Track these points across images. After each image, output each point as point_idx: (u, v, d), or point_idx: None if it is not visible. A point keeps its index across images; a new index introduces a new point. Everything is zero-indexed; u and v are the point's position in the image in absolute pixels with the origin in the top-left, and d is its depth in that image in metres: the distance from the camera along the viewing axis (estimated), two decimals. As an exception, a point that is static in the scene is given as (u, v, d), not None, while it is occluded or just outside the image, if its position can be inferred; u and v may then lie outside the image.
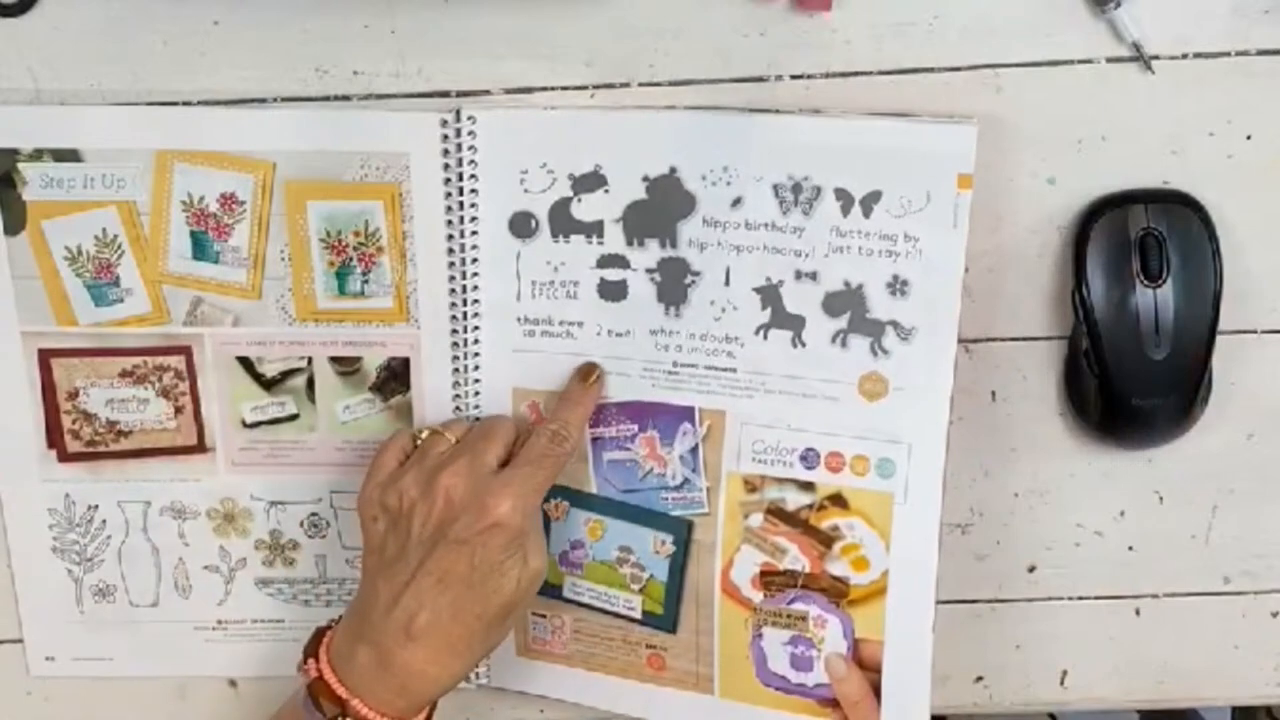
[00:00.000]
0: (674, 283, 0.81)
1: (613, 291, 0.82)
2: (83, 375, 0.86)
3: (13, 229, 0.83)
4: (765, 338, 0.81)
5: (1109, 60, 0.79)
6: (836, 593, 0.82)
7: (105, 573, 0.89)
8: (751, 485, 0.82)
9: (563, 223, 0.81)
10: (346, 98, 0.81)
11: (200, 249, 0.83)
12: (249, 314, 0.84)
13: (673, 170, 0.80)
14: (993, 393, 0.84)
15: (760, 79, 0.80)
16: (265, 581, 0.89)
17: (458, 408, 0.85)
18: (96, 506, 0.88)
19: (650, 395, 0.82)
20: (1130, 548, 0.86)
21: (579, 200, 0.81)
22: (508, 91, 0.81)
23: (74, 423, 0.86)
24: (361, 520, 0.81)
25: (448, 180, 0.81)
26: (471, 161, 0.81)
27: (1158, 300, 0.79)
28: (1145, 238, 0.79)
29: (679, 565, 0.84)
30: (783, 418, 0.81)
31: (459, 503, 0.77)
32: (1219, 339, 0.80)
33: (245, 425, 0.86)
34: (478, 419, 0.84)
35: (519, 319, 0.83)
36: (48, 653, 0.90)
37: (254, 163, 0.82)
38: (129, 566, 0.89)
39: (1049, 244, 0.82)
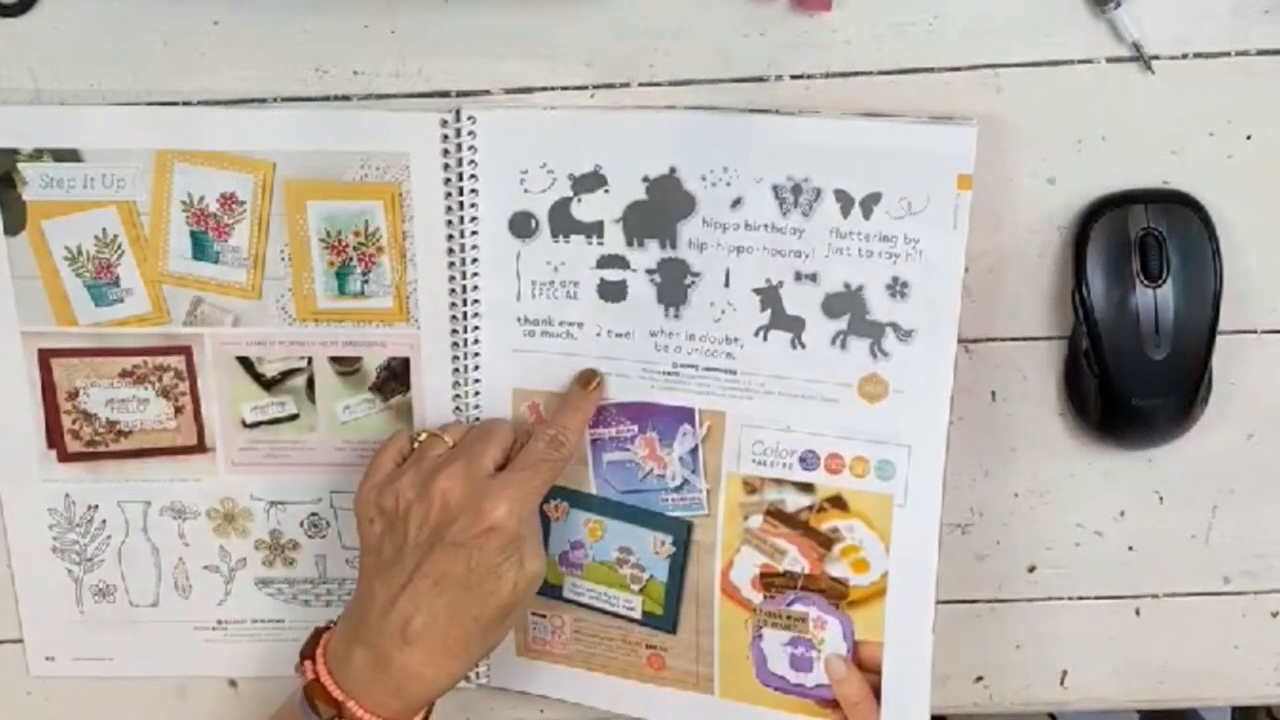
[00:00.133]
0: (674, 283, 0.81)
1: (613, 292, 0.82)
2: (83, 375, 0.86)
3: (13, 229, 0.83)
4: (765, 339, 0.80)
5: (1109, 60, 0.79)
6: (836, 594, 0.82)
7: (105, 573, 0.89)
8: (751, 486, 0.82)
9: (563, 223, 0.81)
10: (346, 98, 0.81)
11: (200, 249, 0.83)
12: (249, 314, 0.84)
13: (673, 170, 0.80)
14: (993, 393, 0.84)
15: (760, 79, 0.80)
16: (265, 581, 0.89)
17: (458, 408, 0.85)
18: (96, 506, 0.88)
19: (650, 396, 0.82)
20: (1130, 548, 0.86)
21: (579, 200, 0.81)
22: (508, 91, 0.81)
23: (74, 423, 0.86)
24: (358, 522, 0.81)
25: (448, 180, 0.81)
26: (471, 161, 0.81)
27: (1158, 300, 0.79)
28: (1145, 238, 0.79)
29: (679, 566, 0.84)
30: (782, 419, 0.81)
31: (456, 505, 0.77)
32: (1219, 339, 0.80)
33: (245, 425, 0.86)
34: (476, 421, 0.84)
35: (519, 319, 0.83)
36: (48, 653, 0.90)
37: (254, 163, 0.82)
38: (129, 566, 0.89)
39: (1049, 244, 0.81)
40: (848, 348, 0.80)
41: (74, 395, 0.86)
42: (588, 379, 0.82)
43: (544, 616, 0.87)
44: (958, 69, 0.79)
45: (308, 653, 0.80)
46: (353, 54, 0.81)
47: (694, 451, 0.82)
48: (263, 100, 0.81)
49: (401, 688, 0.77)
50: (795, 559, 0.82)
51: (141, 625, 0.90)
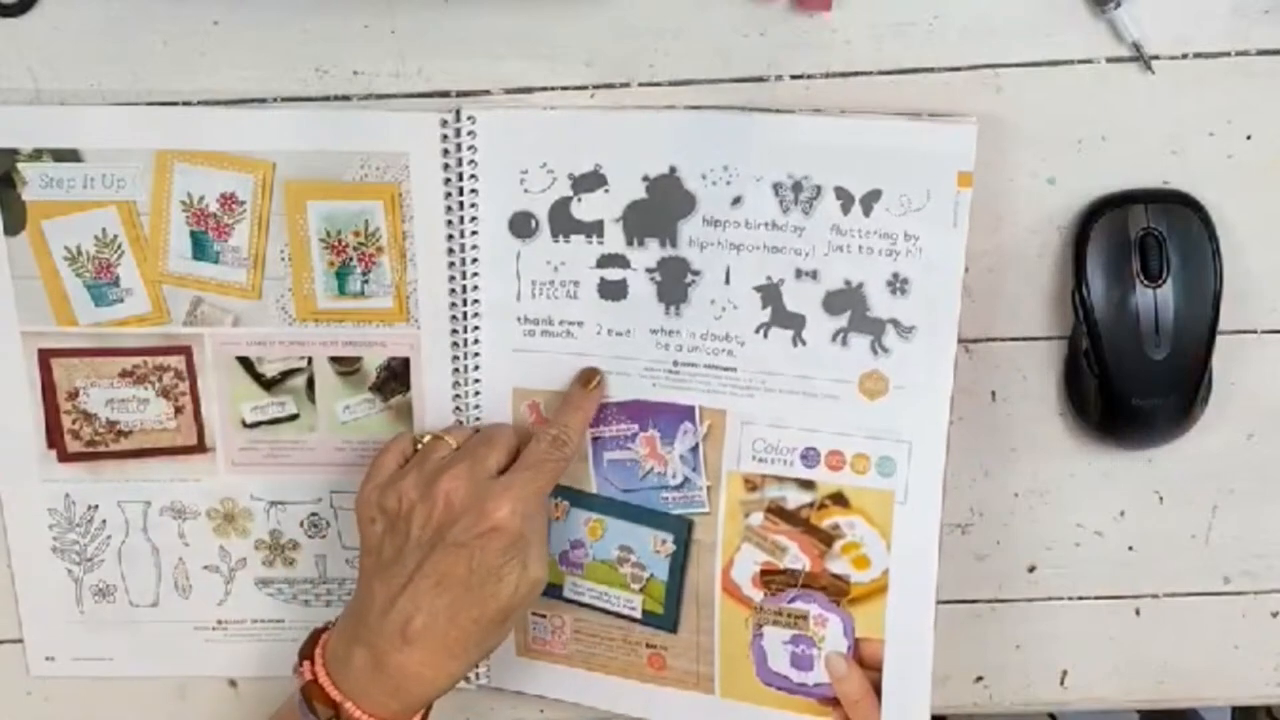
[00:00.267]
0: (674, 282, 0.81)
1: (613, 291, 0.82)
2: (83, 375, 0.86)
3: (13, 229, 0.83)
4: (766, 336, 0.81)
5: (1109, 60, 0.79)
6: (837, 591, 0.82)
7: (105, 573, 0.89)
8: (752, 484, 0.82)
9: (563, 222, 0.81)
10: (346, 98, 0.81)
11: (200, 249, 0.83)
12: (249, 314, 0.84)
13: (673, 170, 0.80)
14: (993, 393, 0.84)
15: (760, 79, 0.80)
16: (265, 581, 0.89)
17: (458, 408, 0.85)
18: (96, 506, 0.88)
19: (650, 394, 0.82)
20: (1130, 548, 0.86)
21: (579, 200, 0.81)
22: (508, 91, 0.81)
23: (74, 423, 0.86)
24: (359, 522, 0.80)
25: (447, 180, 0.81)
26: (471, 161, 0.81)
27: (1158, 300, 0.79)
28: (1145, 238, 0.79)
29: (679, 564, 0.84)
30: (783, 416, 0.81)
31: (459, 506, 0.77)
32: (1219, 339, 0.80)
33: (245, 425, 0.86)
34: (477, 422, 0.84)
35: (519, 319, 0.83)
36: (48, 653, 0.90)
37: (254, 163, 0.82)
38: (129, 566, 0.89)
39: (1049, 244, 0.82)
40: (848, 345, 0.80)
41: (74, 395, 0.86)
42: (588, 378, 0.82)
43: (544, 616, 0.87)
44: (958, 69, 0.79)
45: (306, 653, 0.80)
46: (353, 54, 0.81)
47: (695, 449, 0.82)
48: (263, 100, 0.81)
49: (400, 688, 0.77)
50: (796, 556, 0.82)
51: (141, 625, 0.90)
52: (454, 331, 0.84)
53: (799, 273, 0.79)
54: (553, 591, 0.86)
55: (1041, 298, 0.83)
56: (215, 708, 0.91)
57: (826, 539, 0.82)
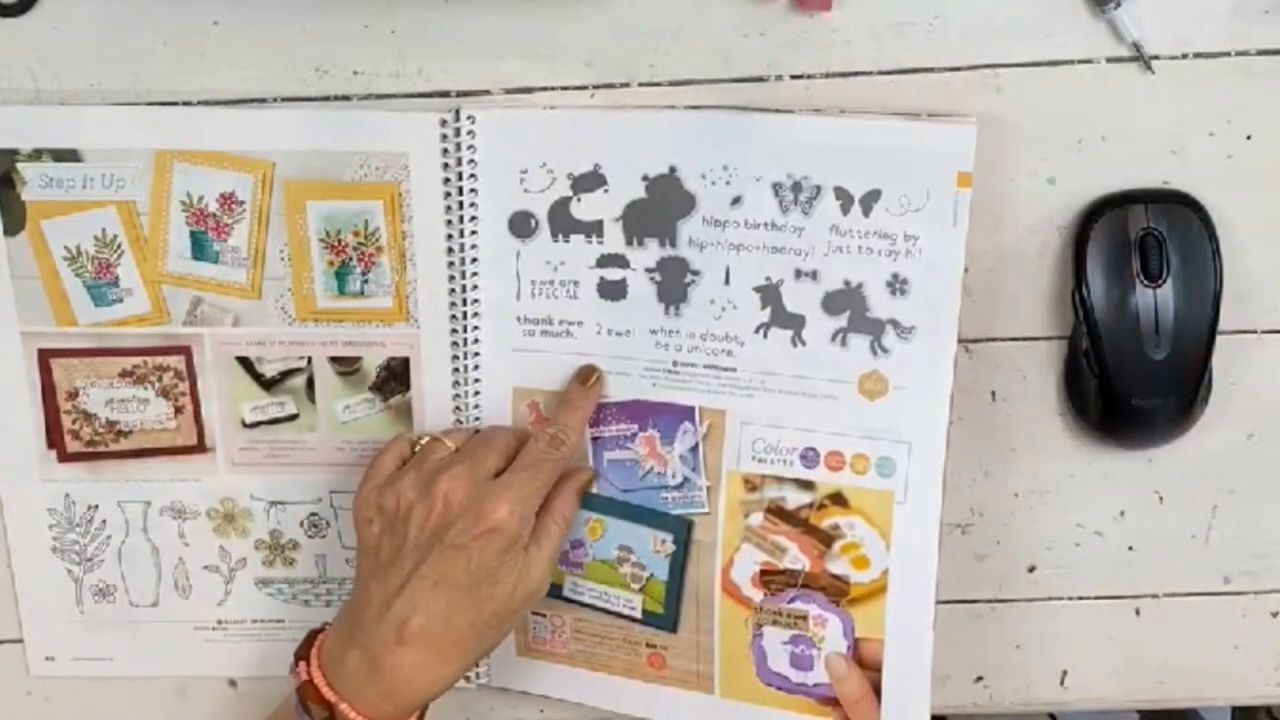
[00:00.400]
0: (674, 282, 0.81)
1: (613, 291, 0.82)
2: (83, 375, 0.86)
3: (12, 229, 0.83)
4: (765, 337, 0.80)
5: (1109, 60, 0.79)
6: (837, 591, 0.82)
7: (105, 573, 0.89)
8: (751, 484, 0.82)
9: (562, 222, 0.81)
10: (346, 98, 0.81)
11: (200, 249, 0.83)
12: (249, 314, 0.84)
13: (672, 170, 0.80)
14: (993, 393, 0.84)
15: (760, 79, 0.80)
16: (265, 581, 0.89)
17: (457, 408, 0.85)
18: (96, 506, 0.88)
19: (650, 394, 0.82)
20: (1130, 548, 0.86)
21: (579, 200, 0.81)
22: (508, 91, 0.81)
23: (74, 423, 0.86)
24: (356, 522, 0.80)
25: (447, 180, 0.81)
26: (471, 161, 0.81)
27: (1158, 300, 0.79)
28: (1145, 238, 0.79)
29: (679, 564, 0.84)
30: (783, 417, 0.81)
31: (457, 507, 0.77)
32: (1219, 339, 0.80)
33: (245, 425, 0.86)
34: (477, 422, 0.84)
35: (519, 319, 0.83)
36: (48, 653, 0.90)
37: (254, 163, 0.82)
38: (129, 566, 0.89)
39: (1049, 244, 0.82)
40: (848, 345, 0.80)
41: (74, 395, 0.86)
42: (586, 375, 0.82)
43: (544, 616, 0.87)
44: (958, 69, 0.79)
45: (302, 654, 0.80)
46: (353, 54, 0.81)
47: (694, 449, 0.82)
48: (263, 100, 0.81)
49: (394, 690, 0.77)
50: (796, 556, 0.82)
51: (141, 625, 0.90)
52: (454, 331, 0.84)
53: (798, 273, 0.79)
54: (553, 591, 0.86)
55: (1041, 298, 0.83)
56: (215, 708, 0.91)
57: (826, 539, 0.82)
